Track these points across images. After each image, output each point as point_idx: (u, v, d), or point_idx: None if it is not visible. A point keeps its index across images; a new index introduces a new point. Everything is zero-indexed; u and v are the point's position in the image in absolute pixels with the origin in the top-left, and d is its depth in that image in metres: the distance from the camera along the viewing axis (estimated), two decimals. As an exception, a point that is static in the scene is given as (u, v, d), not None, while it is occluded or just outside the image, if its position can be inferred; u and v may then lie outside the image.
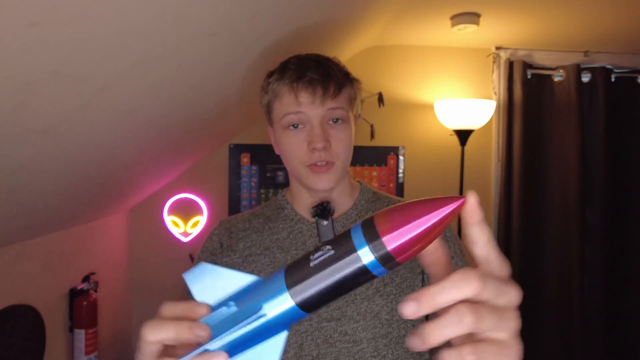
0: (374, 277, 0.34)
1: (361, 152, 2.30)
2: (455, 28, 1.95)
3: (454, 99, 2.19)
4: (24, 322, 1.28)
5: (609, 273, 2.35)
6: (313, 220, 0.87)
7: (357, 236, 0.34)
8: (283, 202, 0.91)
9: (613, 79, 2.38)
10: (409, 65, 2.37)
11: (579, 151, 2.27)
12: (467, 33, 2.06)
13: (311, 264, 0.35)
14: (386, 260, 0.33)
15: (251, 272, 0.85)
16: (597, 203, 2.36)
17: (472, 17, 1.88)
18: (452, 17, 1.91)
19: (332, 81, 0.80)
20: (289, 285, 0.36)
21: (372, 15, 1.74)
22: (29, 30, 0.56)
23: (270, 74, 0.85)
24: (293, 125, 0.81)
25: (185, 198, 2.22)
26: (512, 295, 0.34)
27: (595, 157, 2.36)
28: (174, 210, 2.23)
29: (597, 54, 2.35)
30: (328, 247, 0.35)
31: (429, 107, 2.34)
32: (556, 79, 2.37)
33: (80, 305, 1.51)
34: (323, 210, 0.83)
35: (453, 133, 2.21)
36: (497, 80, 2.37)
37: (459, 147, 2.23)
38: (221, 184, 2.26)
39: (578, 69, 2.29)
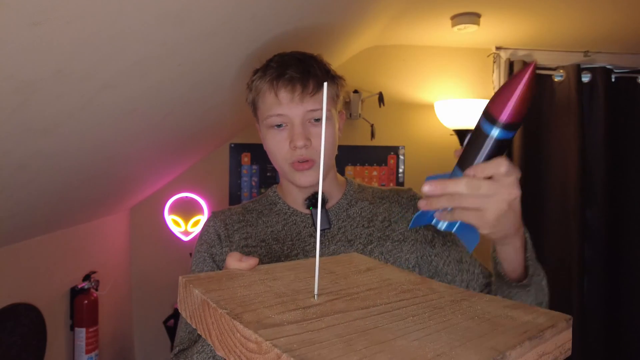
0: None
1: (361, 152, 2.31)
2: (456, 28, 1.95)
3: (454, 99, 2.19)
4: (25, 321, 1.29)
5: (609, 273, 2.35)
6: (306, 211, 0.91)
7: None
8: (275, 198, 0.95)
9: (613, 79, 2.38)
10: (410, 65, 2.37)
11: (579, 151, 2.27)
12: (467, 33, 2.06)
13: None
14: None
15: None
16: (597, 203, 2.36)
17: (473, 17, 1.88)
18: (453, 17, 1.91)
19: (312, 79, 0.82)
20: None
21: (372, 15, 1.74)
22: (31, 30, 0.56)
23: (255, 72, 0.88)
24: (277, 125, 0.84)
25: (186, 197, 2.23)
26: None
27: (595, 157, 2.36)
28: (174, 209, 2.23)
29: (597, 54, 2.35)
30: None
31: (429, 107, 2.34)
32: (556, 79, 2.37)
33: (81, 304, 1.52)
34: (317, 200, 0.87)
35: (453, 133, 2.21)
36: (497, 80, 2.37)
37: (459, 147, 2.23)
38: (222, 183, 2.26)
39: (578, 69, 2.29)
